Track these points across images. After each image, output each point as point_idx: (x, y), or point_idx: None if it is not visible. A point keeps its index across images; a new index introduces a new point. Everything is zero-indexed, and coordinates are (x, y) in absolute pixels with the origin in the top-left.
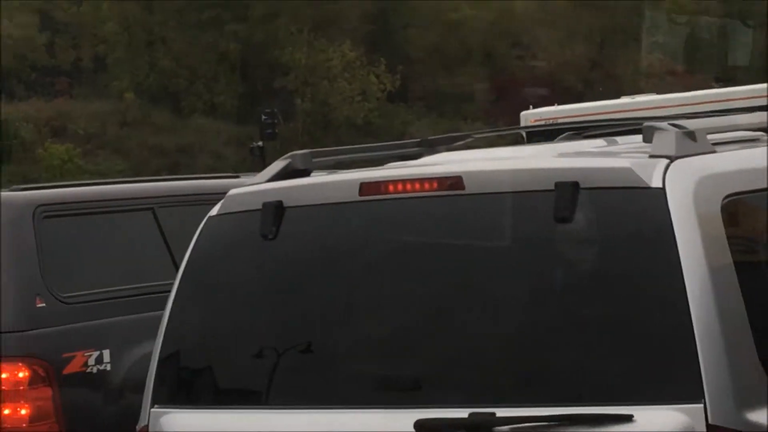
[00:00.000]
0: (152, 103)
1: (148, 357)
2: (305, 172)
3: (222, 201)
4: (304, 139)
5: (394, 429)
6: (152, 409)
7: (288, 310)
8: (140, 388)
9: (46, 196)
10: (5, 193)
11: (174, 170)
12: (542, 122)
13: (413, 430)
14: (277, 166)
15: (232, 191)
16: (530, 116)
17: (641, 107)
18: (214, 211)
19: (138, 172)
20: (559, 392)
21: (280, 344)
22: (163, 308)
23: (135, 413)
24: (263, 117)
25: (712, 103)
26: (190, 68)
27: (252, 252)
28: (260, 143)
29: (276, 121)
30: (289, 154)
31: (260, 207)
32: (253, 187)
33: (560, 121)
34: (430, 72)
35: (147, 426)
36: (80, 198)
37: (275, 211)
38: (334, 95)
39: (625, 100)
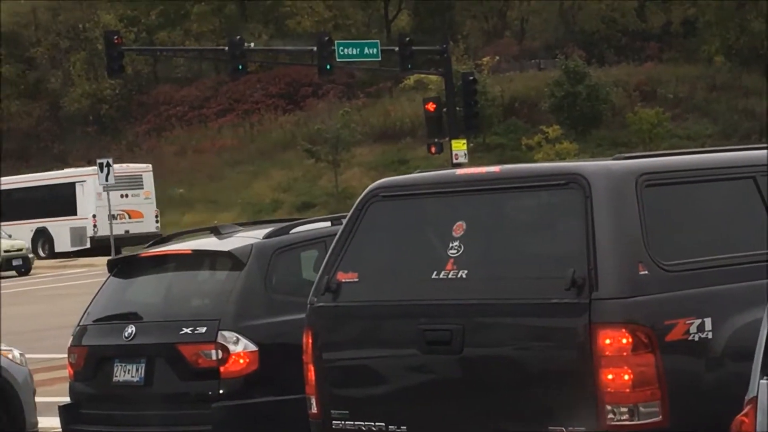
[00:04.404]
0: (742, 66)
1: (748, 326)
2: None
3: None
4: None
5: None
6: (761, 381)
7: None
8: (741, 357)
9: (648, 165)
10: (609, 162)
11: (765, 134)
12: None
13: None
14: None
15: None
16: None
17: None
18: None
19: (727, 136)
20: None
21: None
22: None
23: (736, 383)
24: None
25: None
26: None
27: None
28: None
29: None
30: None
31: None
32: None
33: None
34: None
35: (756, 397)
36: (681, 166)
37: None
38: None
39: None
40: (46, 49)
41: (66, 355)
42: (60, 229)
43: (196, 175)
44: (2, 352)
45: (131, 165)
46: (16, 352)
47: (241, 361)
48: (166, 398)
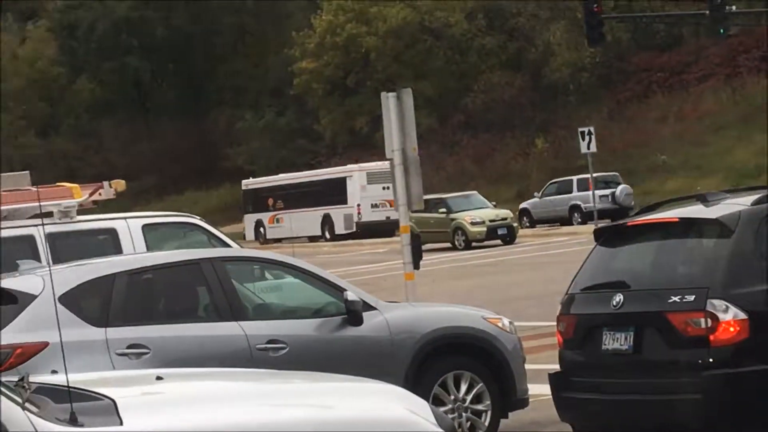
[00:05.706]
0: None
1: None
2: None
3: None
4: None
5: None
6: None
7: None
8: None
9: None
10: None
11: None
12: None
13: None
14: None
15: None
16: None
17: None
18: None
19: None
20: None
21: None
22: None
23: None
24: None
25: None
26: None
27: None
28: None
29: None
30: None
31: None
32: None
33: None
34: None
35: None
36: None
37: None
38: None
39: None
40: (527, 20)
41: (553, 323)
42: (338, 216)
43: (678, 142)
44: (492, 320)
45: None
46: (506, 321)
47: (731, 329)
48: (655, 366)
